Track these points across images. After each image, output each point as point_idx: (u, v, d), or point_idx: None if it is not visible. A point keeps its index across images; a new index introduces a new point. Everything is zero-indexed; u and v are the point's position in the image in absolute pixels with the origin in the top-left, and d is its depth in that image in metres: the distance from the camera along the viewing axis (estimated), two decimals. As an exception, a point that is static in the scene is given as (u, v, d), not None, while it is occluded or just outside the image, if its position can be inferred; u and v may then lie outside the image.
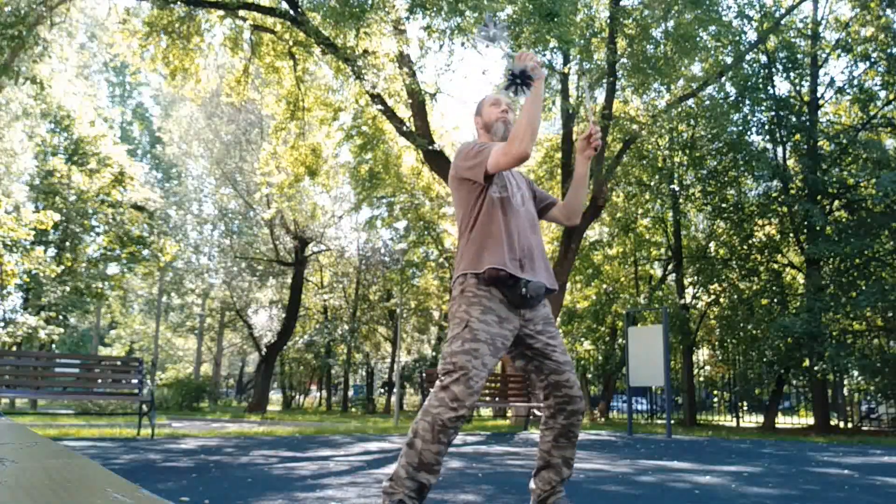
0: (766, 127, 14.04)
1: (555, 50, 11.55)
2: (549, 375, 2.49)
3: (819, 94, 14.16)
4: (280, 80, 13.12)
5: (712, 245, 16.06)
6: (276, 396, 31.44)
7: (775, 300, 14.49)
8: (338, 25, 9.94)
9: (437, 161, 12.59)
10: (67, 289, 19.08)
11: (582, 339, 17.56)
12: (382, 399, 26.15)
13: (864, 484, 4.07)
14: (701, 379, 17.38)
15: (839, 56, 14.04)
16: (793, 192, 13.55)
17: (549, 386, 2.50)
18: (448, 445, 2.33)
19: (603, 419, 16.34)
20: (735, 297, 15.17)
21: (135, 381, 7.31)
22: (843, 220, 13.48)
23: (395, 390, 16.67)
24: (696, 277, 15.90)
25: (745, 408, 16.28)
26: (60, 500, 1.59)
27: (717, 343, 16.60)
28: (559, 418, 2.50)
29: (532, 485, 2.56)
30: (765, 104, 13.72)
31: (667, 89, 12.60)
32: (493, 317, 2.40)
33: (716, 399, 18.16)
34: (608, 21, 11.93)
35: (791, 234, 14.08)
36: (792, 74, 13.98)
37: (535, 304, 2.49)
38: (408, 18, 10.12)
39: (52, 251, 20.22)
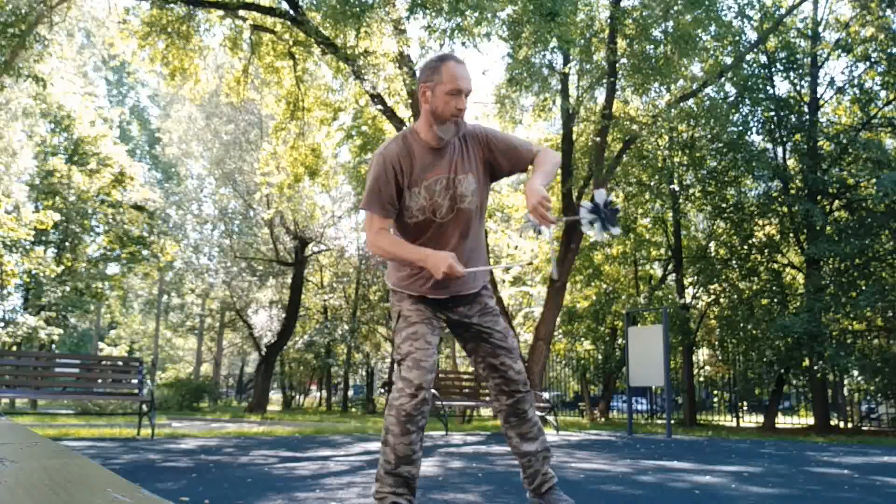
0: (766, 127, 14.04)
1: (555, 50, 11.55)
2: (485, 358, 2.49)
3: (819, 94, 14.16)
4: (280, 80, 13.12)
5: (712, 245, 16.06)
6: (276, 396, 31.44)
7: (775, 300, 14.48)
8: (338, 25, 9.93)
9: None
10: (67, 289, 19.08)
11: (582, 339, 17.56)
12: (382, 399, 26.15)
13: (864, 484, 4.07)
14: (701, 379, 17.38)
15: (839, 56, 14.04)
16: (793, 192, 13.55)
17: (485, 368, 2.51)
18: (420, 433, 2.34)
19: (603, 419, 16.34)
20: (735, 297, 15.17)
21: (135, 381, 7.30)
22: (843, 220, 13.48)
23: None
24: (696, 277, 15.90)
25: (745, 408, 16.28)
26: (60, 500, 1.59)
27: (717, 343, 16.59)
28: (502, 400, 2.49)
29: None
30: (765, 104, 13.72)
31: (667, 89, 12.60)
32: (421, 304, 2.46)
33: (716, 399, 18.16)
34: (608, 21, 11.93)
35: (791, 234, 14.08)
36: (792, 74, 13.98)
37: (458, 305, 2.51)
38: (408, 18, 10.11)
39: (52, 251, 20.22)
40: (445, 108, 2.30)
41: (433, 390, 2.55)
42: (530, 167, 2.46)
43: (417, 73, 11.86)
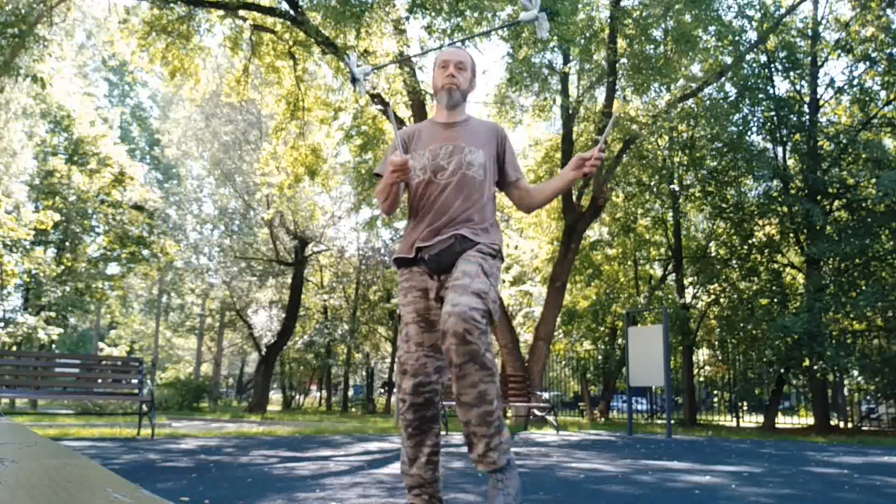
0: (766, 127, 14.04)
1: (555, 49, 11.55)
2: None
3: (819, 94, 14.16)
4: (280, 80, 13.12)
5: (712, 245, 16.06)
6: (276, 396, 31.44)
7: (775, 300, 14.48)
8: (338, 25, 9.93)
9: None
10: (67, 289, 19.08)
11: (582, 339, 17.56)
12: (382, 399, 26.15)
13: (864, 484, 4.07)
14: (701, 379, 17.37)
15: (839, 56, 14.04)
16: (793, 191, 13.55)
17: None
18: (417, 436, 2.31)
19: (603, 419, 16.34)
20: (735, 297, 15.17)
21: (135, 381, 7.30)
22: (843, 220, 13.48)
23: (395, 390, 16.66)
24: (696, 277, 15.90)
25: (745, 408, 16.28)
26: (60, 500, 1.59)
27: (717, 343, 16.59)
28: (445, 342, 2.09)
29: None
30: (765, 104, 13.72)
31: (667, 89, 12.60)
32: (416, 293, 2.38)
33: (716, 399, 18.16)
34: (608, 21, 11.93)
35: (791, 234, 14.08)
36: (792, 74, 13.98)
37: (442, 267, 2.31)
38: (408, 18, 10.12)
39: (52, 251, 20.23)
40: (437, 80, 2.51)
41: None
42: (508, 189, 2.58)
43: (417, 73, 11.87)
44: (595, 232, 17.13)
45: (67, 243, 20.14)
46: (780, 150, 14.23)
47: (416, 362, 2.30)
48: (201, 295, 26.20)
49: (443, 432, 9.02)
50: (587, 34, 11.31)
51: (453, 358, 2.05)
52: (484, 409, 2.07)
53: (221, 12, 11.61)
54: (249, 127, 22.71)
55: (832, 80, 14.19)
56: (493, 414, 2.08)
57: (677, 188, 15.13)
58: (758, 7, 13.34)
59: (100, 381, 7.56)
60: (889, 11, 13.31)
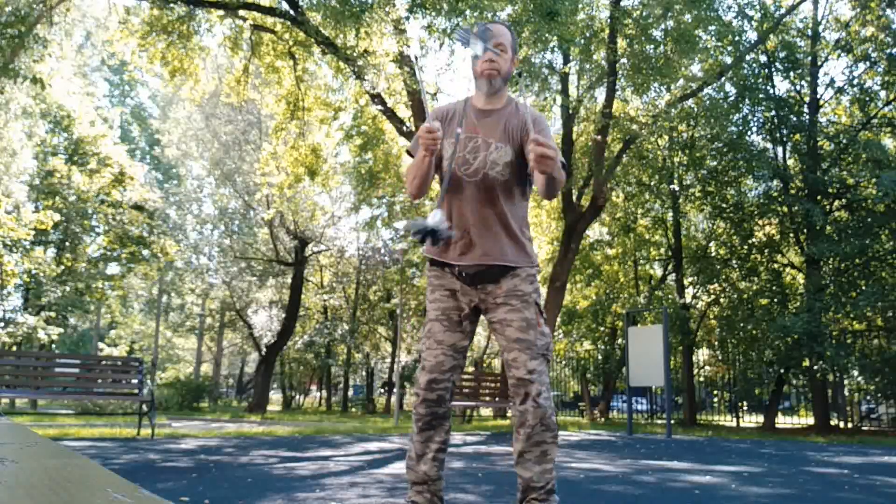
0: (766, 127, 14.04)
1: (555, 49, 11.55)
2: (503, 353, 2.30)
3: (819, 94, 14.16)
4: (280, 80, 13.12)
5: (712, 245, 16.06)
6: (276, 396, 31.43)
7: (775, 300, 14.48)
8: (338, 25, 9.93)
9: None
10: (67, 289, 19.08)
11: (582, 339, 17.55)
12: (382, 399, 26.15)
13: (864, 484, 4.07)
14: (701, 379, 17.37)
15: (839, 56, 14.04)
16: (793, 191, 13.55)
17: (504, 364, 2.31)
18: (427, 430, 2.33)
19: (603, 419, 16.34)
20: (735, 297, 15.17)
21: (135, 381, 7.30)
22: (843, 220, 13.48)
23: (395, 390, 16.67)
24: (696, 277, 15.90)
25: (745, 408, 16.28)
26: (60, 500, 1.59)
27: (717, 343, 16.60)
28: (515, 403, 2.27)
29: None
30: (765, 104, 13.72)
31: (667, 89, 12.60)
32: (444, 292, 2.39)
33: (716, 399, 18.16)
34: (608, 21, 11.93)
35: (791, 234, 14.08)
36: (792, 74, 13.98)
37: (484, 282, 2.32)
38: (408, 18, 10.12)
39: (52, 251, 20.22)
40: (477, 67, 2.41)
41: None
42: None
43: (418, 73, 11.87)
44: (595, 232, 17.13)
45: (67, 243, 20.14)
46: (780, 150, 14.23)
47: (434, 359, 2.33)
48: (201, 295, 26.20)
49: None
50: (587, 34, 11.31)
51: (529, 419, 2.23)
52: (544, 466, 2.25)
53: (221, 12, 11.60)
54: (249, 127, 22.71)
55: (832, 80, 14.21)
56: (551, 472, 2.27)
57: (677, 188, 15.13)
58: (758, 7, 13.35)
59: (100, 381, 7.56)
60: (889, 11, 13.31)
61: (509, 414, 12.52)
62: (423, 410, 2.33)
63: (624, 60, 11.77)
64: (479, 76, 2.41)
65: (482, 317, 2.43)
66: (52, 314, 19.08)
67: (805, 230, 13.38)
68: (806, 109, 13.83)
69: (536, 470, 2.24)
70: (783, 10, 13.94)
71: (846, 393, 15.12)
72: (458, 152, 2.36)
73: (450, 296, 2.39)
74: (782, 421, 15.76)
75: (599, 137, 12.35)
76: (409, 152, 2.52)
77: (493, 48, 2.34)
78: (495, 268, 2.30)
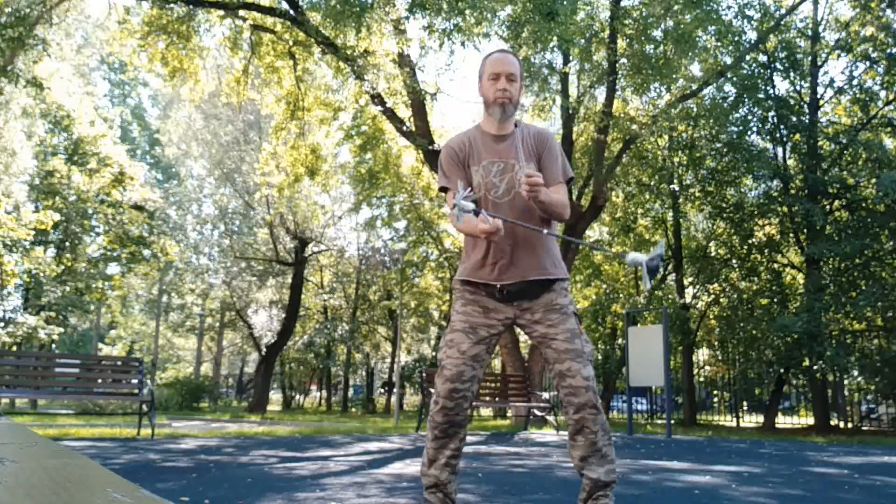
0: (766, 127, 14.04)
1: (555, 49, 11.54)
2: (553, 365, 2.40)
3: (819, 94, 14.16)
4: (280, 80, 13.12)
5: (712, 245, 16.06)
6: (276, 396, 31.45)
7: (775, 300, 14.49)
8: (338, 25, 9.93)
9: (437, 161, 12.58)
10: (67, 289, 19.08)
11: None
12: (382, 399, 26.17)
13: (864, 484, 4.07)
14: (701, 379, 17.38)
15: (839, 56, 14.04)
16: (793, 191, 13.55)
17: (555, 376, 2.42)
18: (442, 438, 2.38)
19: (603, 419, 16.33)
20: (735, 297, 15.17)
21: (135, 381, 7.30)
22: (843, 220, 13.48)
23: (395, 390, 16.67)
24: (696, 277, 15.90)
25: (745, 408, 16.28)
26: (60, 500, 1.59)
27: (717, 343, 16.60)
28: (569, 412, 2.38)
29: None
30: (765, 104, 13.72)
31: (667, 89, 12.60)
32: (476, 307, 2.45)
33: (716, 399, 18.16)
34: (608, 21, 11.93)
35: (791, 234, 14.08)
36: (792, 74, 13.98)
37: (522, 298, 2.43)
38: (408, 18, 10.12)
39: (52, 251, 20.22)
40: (489, 93, 2.50)
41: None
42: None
43: (417, 73, 11.86)
44: (595, 232, 17.13)
45: (67, 243, 20.14)
46: (780, 150, 14.24)
47: (455, 369, 2.36)
48: (201, 295, 26.21)
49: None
50: (587, 34, 11.30)
51: (590, 426, 2.35)
52: (608, 467, 2.38)
53: (221, 12, 11.61)
54: (249, 127, 22.72)
55: (832, 80, 14.21)
56: (615, 470, 2.40)
57: (677, 188, 15.13)
58: (758, 7, 13.35)
59: (100, 381, 7.56)
60: (889, 11, 13.31)
61: (509, 414, 12.52)
62: (440, 419, 2.37)
63: (624, 60, 11.77)
64: (490, 103, 2.50)
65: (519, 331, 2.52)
66: (52, 314, 19.08)
67: (805, 230, 13.38)
68: (806, 109, 13.83)
69: (602, 471, 2.36)
70: (783, 10, 13.94)
71: (846, 393, 15.13)
72: (483, 178, 2.46)
73: (482, 313, 2.45)
74: (782, 421, 15.76)
75: (601, 137, 12.35)
76: (442, 188, 2.58)
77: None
78: (536, 283, 2.42)
